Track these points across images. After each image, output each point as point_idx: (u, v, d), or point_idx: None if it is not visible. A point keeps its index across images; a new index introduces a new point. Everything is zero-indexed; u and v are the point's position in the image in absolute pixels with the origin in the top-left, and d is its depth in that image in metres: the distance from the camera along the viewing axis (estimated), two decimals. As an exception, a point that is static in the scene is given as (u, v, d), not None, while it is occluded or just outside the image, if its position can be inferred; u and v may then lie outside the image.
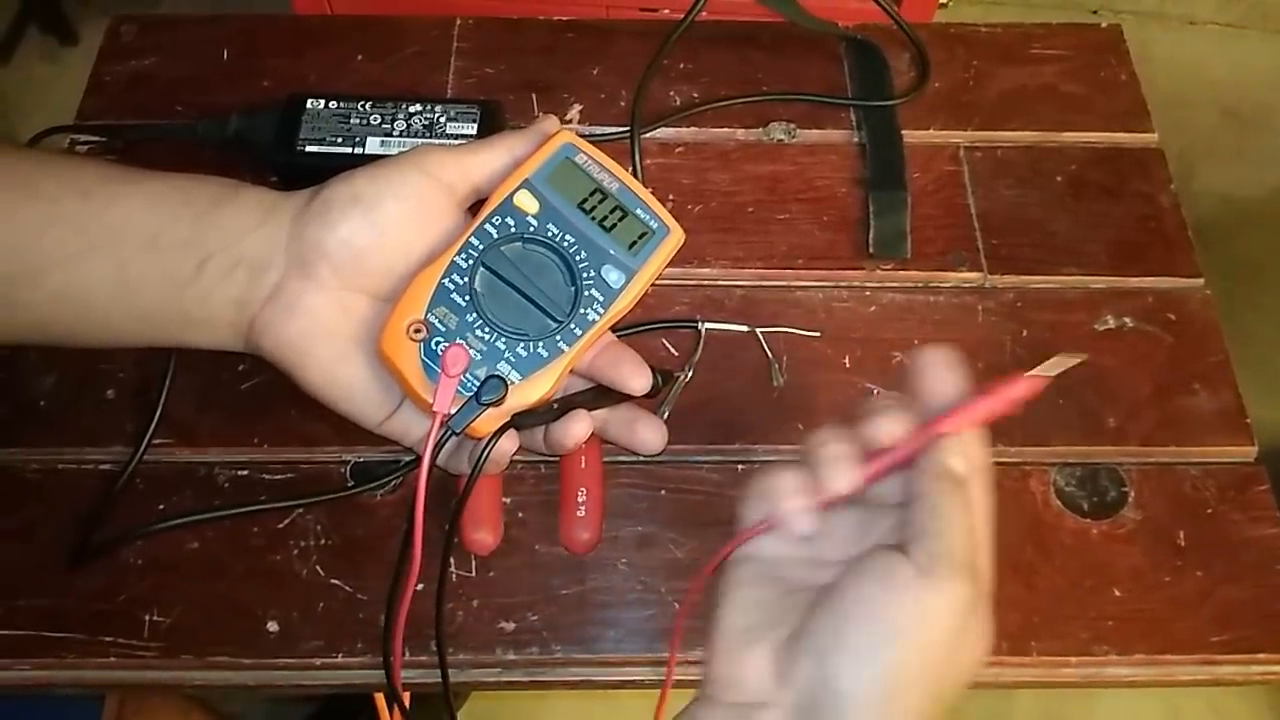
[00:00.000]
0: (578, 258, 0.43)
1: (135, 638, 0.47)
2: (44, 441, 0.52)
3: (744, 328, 0.55)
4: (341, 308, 0.42)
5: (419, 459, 0.39)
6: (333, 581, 0.49)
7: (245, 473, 0.51)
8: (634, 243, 0.44)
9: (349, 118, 0.57)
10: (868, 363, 0.55)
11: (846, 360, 0.55)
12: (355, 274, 0.41)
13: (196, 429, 0.52)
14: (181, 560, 0.49)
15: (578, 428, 0.42)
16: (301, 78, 0.63)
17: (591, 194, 0.44)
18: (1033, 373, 0.37)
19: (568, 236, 0.43)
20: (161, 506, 0.50)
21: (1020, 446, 0.53)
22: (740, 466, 0.52)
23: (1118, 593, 0.49)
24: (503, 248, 0.42)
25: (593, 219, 0.43)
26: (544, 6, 0.69)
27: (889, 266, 0.58)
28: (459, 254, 0.42)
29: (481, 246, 0.42)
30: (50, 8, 1.60)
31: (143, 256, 0.40)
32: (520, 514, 0.51)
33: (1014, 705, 1.20)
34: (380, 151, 0.56)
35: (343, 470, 0.52)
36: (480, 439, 0.41)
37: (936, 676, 0.32)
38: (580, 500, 0.49)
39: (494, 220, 0.42)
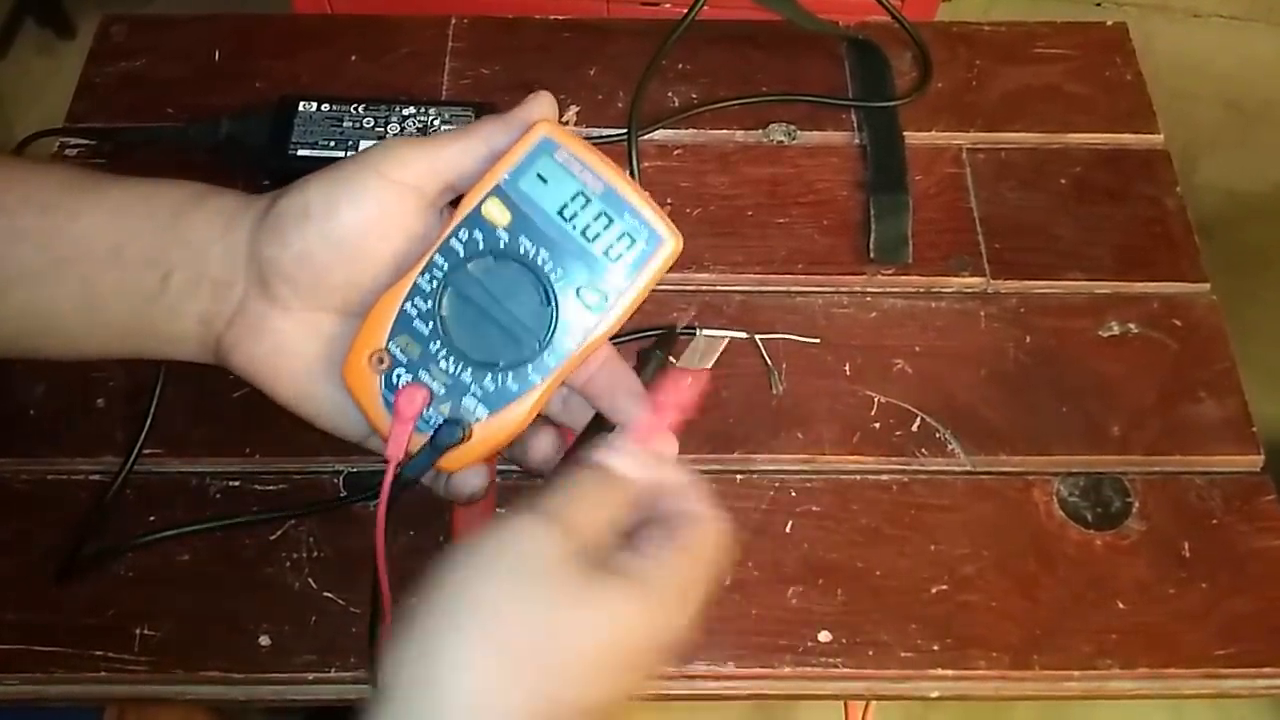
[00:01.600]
0: (553, 276, 0.37)
1: (125, 652, 0.47)
2: (33, 451, 0.51)
3: (743, 334, 0.55)
4: (308, 327, 0.39)
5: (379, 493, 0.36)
6: (325, 594, 0.48)
7: (237, 484, 0.51)
8: (620, 255, 0.37)
9: (342, 120, 0.56)
10: (868, 370, 0.54)
11: (847, 367, 0.54)
12: (316, 292, 0.38)
13: (188, 439, 0.52)
14: (172, 573, 0.48)
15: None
16: (294, 78, 0.63)
17: (573, 198, 0.37)
18: (693, 367, 0.38)
19: (543, 251, 0.37)
20: (152, 518, 0.50)
21: (1023, 456, 0.52)
22: (739, 476, 0.51)
23: (1121, 605, 0.49)
24: (470, 266, 0.37)
25: (573, 228, 0.37)
26: (540, 4, 0.68)
27: (890, 271, 0.57)
28: (422, 274, 0.37)
29: (446, 266, 0.37)
30: (48, 1, 1.58)
31: (108, 271, 0.38)
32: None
33: (1015, 705, 1.19)
34: (373, 155, 0.55)
35: (336, 481, 0.51)
36: (450, 473, 0.38)
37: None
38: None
39: (460, 234, 0.37)
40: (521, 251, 0.37)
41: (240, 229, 0.38)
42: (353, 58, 0.64)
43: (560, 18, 0.66)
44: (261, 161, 0.56)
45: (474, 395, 0.37)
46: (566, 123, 0.61)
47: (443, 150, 0.38)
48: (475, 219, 0.37)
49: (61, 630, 0.47)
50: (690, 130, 0.62)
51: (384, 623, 0.39)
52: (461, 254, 0.37)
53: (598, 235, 0.37)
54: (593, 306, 0.37)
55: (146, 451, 0.51)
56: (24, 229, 0.38)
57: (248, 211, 0.39)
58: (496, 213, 0.37)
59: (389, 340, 0.37)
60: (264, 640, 0.47)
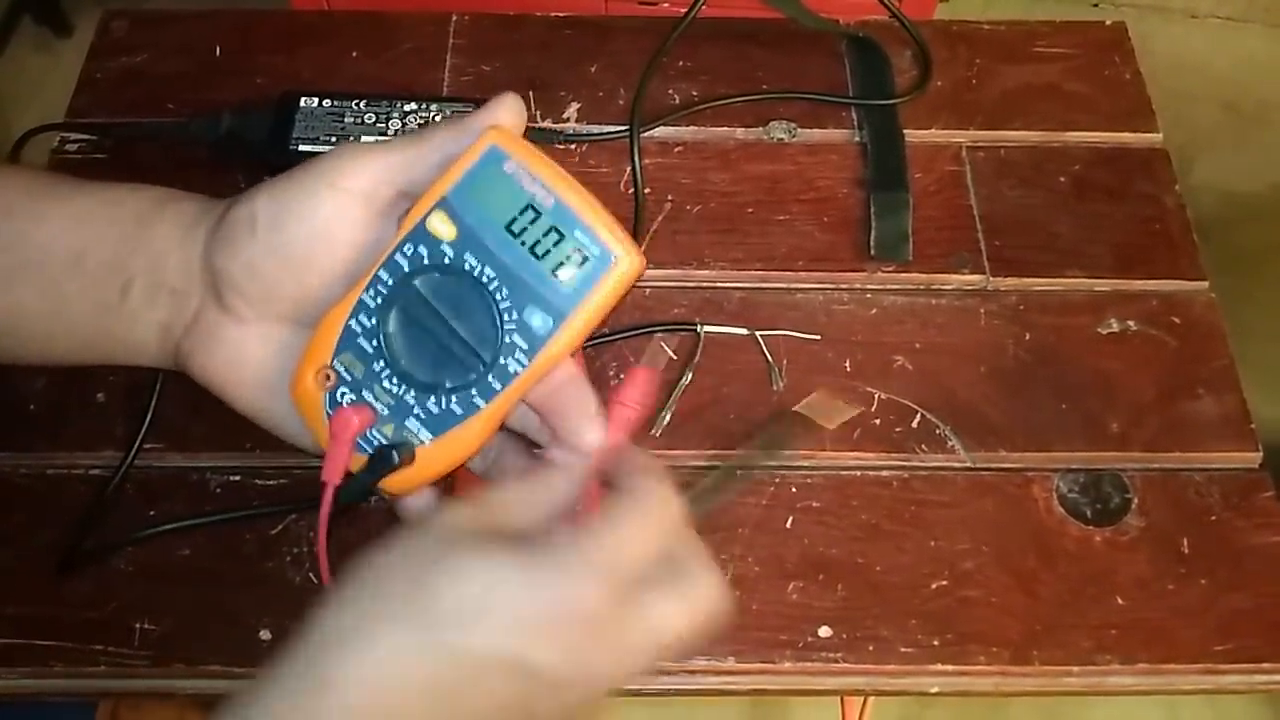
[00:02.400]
0: (498, 295, 0.35)
1: (126, 646, 0.47)
2: (33, 446, 0.51)
3: (743, 331, 0.55)
4: (261, 338, 0.38)
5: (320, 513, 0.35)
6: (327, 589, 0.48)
7: (237, 478, 0.51)
8: (571, 275, 0.35)
9: (343, 116, 0.56)
10: (868, 366, 0.54)
11: (847, 364, 0.54)
12: (267, 302, 0.37)
13: (188, 434, 0.52)
14: (173, 567, 0.48)
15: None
16: (295, 74, 0.63)
17: (521, 212, 0.35)
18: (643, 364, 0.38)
19: (488, 269, 0.35)
20: (152, 512, 0.50)
21: (1023, 452, 0.52)
22: (739, 472, 0.51)
23: (1120, 601, 0.49)
24: (416, 281, 0.35)
25: (522, 244, 0.35)
26: (541, 1, 0.68)
27: (890, 268, 0.57)
28: (367, 290, 0.35)
29: (392, 282, 0.35)
30: (45, -1, 1.59)
31: (70, 278, 0.38)
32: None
33: (1012, 701, 1.20)
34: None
35: (336, 476, 0.51)
36: (394, 496, 0.37)
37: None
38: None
39: (405, 249, 0.35)
40: (467, 268, 0.35)
41: (196, 239, 0.38)
42: (354, 54, 0.64)
43: (561, 14, 0.66)
44: (263, 156, 0.56)
45: (417, 418, 0.35)
46: (566, 119, 0.61)
47: (394, 157, 0.37)
48: (420, 233, 0.35)
49: (62, 624, 0.47)
50: (691, 127, 0.62)
51: None
52: (406, 269, 0.35)
53: (547, 252, 0.35)
54: (538, 331, 0.35)
55: (147, 446, 0.51)
56: None
57: (204, 219, 0.38)
58: (442, 227, 0.35)
59: (334, 358, 0.36)
60: (264, 635, 0.47)
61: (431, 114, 0.56)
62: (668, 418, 0.52)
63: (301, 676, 0.30)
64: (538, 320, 0.35)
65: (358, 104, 0.57)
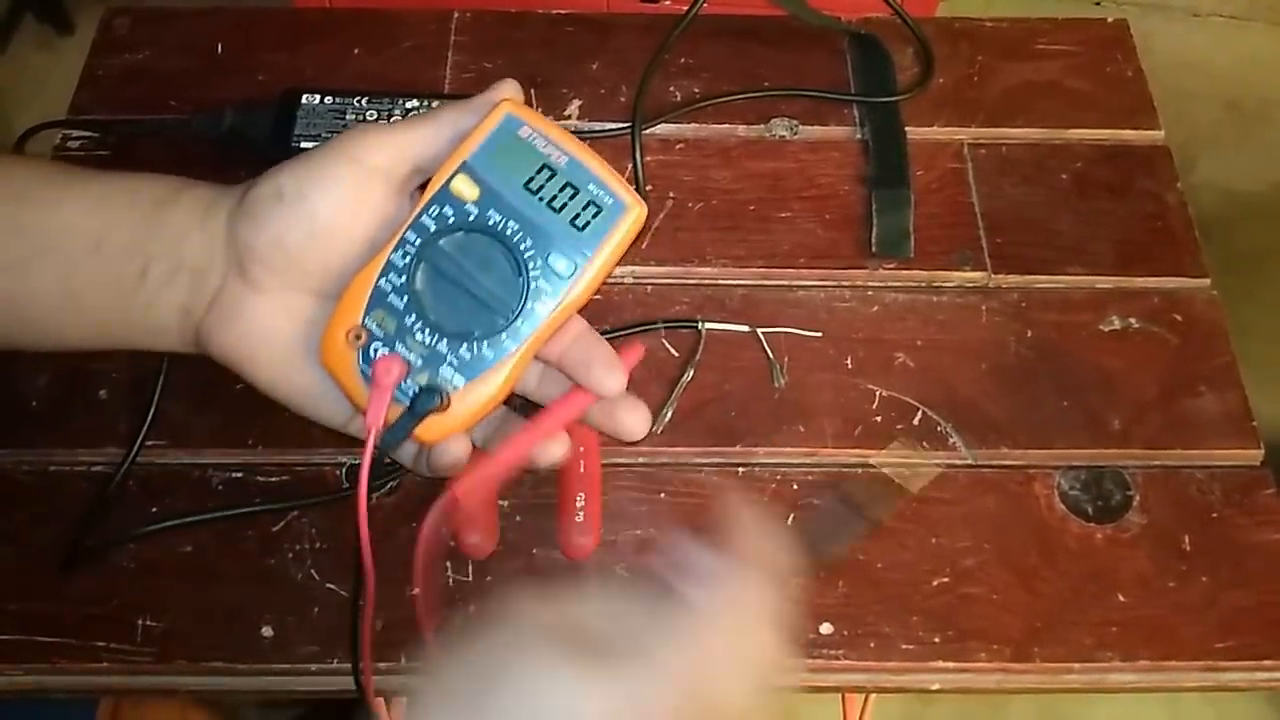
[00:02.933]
0: (523, 246, 0.38)
1: (128, 643, 0.47)
2: (35, 442, 0.51)
3: (745, 328, 0.55)
4: (284, 310, 0.39)
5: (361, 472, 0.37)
6: (328, 585, 0.48)
7: (240, 475, 0.51)
8: (586, 224, 0.38)
9: (345, 113, 0.56)
10: (870, 364, 0.54)
11: (849, 361, 0.54)
12: (292, 274, 0.39)
13: (190, 430, 0.52)
14: (175, 564, 0.49)
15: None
16: (298, 71, 0.63)
17: (538, 171, 0.38)
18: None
19: (511, 223, 0.38)
20: (154, 509, 0.50)
21: (1024, 449, 0.52)
22: (741, 469, 0.52)
23: (1122, 598, 0.49)
24: (442, 241, 0.38)
25: (540, 200, 0.38)
26: (543, -1, 0.68)
27: (891, 266, 0.57)
28: (395, 251, 0.38)
29: (419, 242, 0.38)
30: (48, -4, 1.59)
31: (87, 263, 0.38)
32: (517, 518, 0.50)
33: (1011, 698, 1.20)
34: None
35: (338, 472, 0.51)
36: (431, 445, 0.39)
37: None
38: (579, 505, 0.49)
39: (431, 211, 0.38)
40: (491, 224, 0.38)
41: (217, 216, 0.39)
42: (355, 51, 0.64)
43: (563, 12, 0.66)
44: (265, 154, 0.56)
45: (451, 365, 0.38)
46: (568, 116, 0.61)
47: (409, 134, 0.39)
48: (445, 195, 0.38)
49: (64, 621, 0.47)
50: (692, 125, 0.62)
51: (366, 601, 0.40)
52: (433, 229, 0.38)
53: (564, 205, 0.38)
54: (563, 273, 0.38)
55: (149, 443, 0.51)
56: (2, 219, 0.38)
57: (224, 199, 0.39)
58: (465, 188, 0.38)
59: (365, 316, 0.38)
60: (266, 631, 0.47)
61: (433, 111, 0.56)
62: (669, 415, 0.52)
63: None
64: (562, 264, 0.38)
65: (360, 101, 0.57)
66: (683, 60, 0.64)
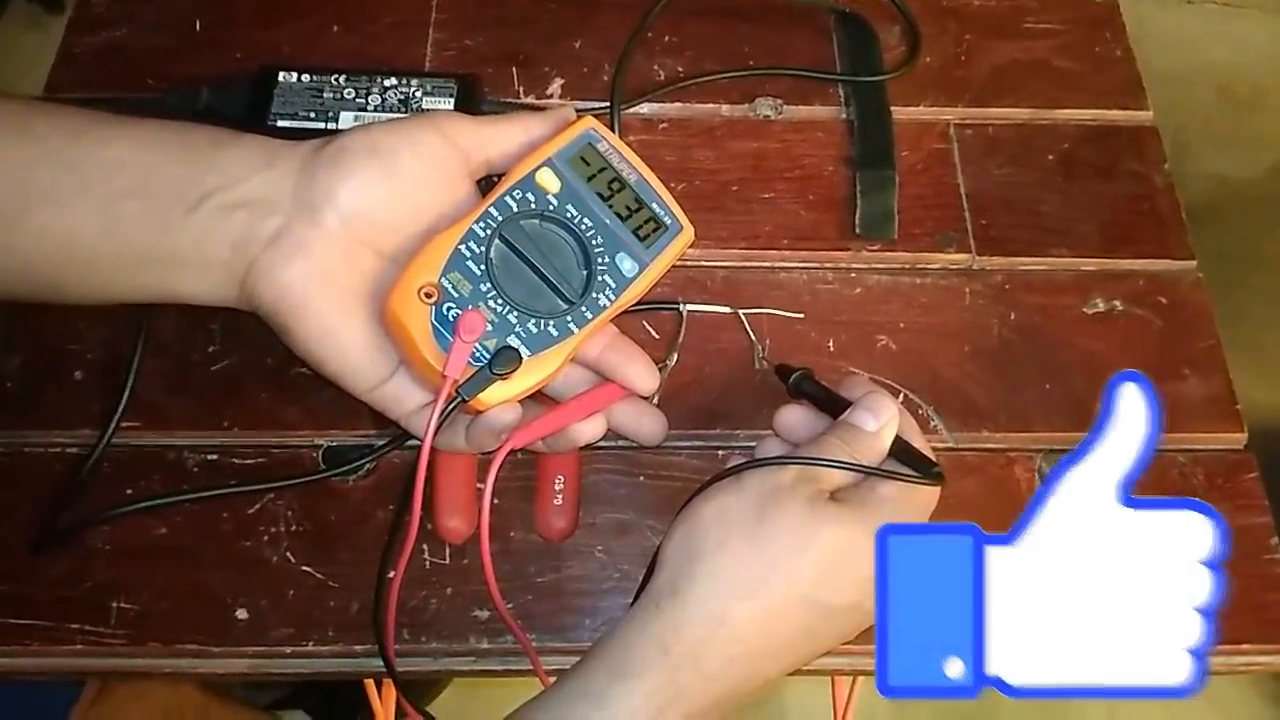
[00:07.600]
0: (594, 242, 0.43)
1: (102, 625, 0.46)
2: (9, 424, 0.51)
3: (726, 309, 0.54)
4: (347, 258, 0.41)
5: (401, 434, 0.40)
6: (304, 568, 0.48)
7: (215, 457, 0.50)
8: (648, 235, 0.44)
9: (322, 91, 0.56)
10: (852, 346, 0.54)
11: (831, 343, 0.54)
12: (363, 226, 0.41)
13: (165, 412, 0.51)
14: (149, 546, 0.48)
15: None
16: (275, 48, 0.62)
17: (611, 182, 0.44)
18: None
19: (585, 220, 0.43)
20: (129, 491, 0.49)
21: (1005, 432, 0.52)
22: (721, 452, 0.51)
23: (1103, 581, 0.48)
24: (521, 222, 0.42)
25: (610, 206, 0.44)
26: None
27: (875, 247, 0.57)
28: (477, 222, 0.41)
29: (500, 218, 0.42)
30: (36, -25, 1.57)
31: (133, 196, 0.39)
32: (496, 500, 0.49)
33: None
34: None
35: (315, 455, 0.50)
36: (479, 413, 0.41)
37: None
38: (557, 488, 0.48)
39: (514, 194, 0.42)
40: (567, 216, 0.43)
41: (288, 160, 0.41)
42: (335, 28, 0.63)
43: (545, -11, 0.65)
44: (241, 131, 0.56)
45: (518, 335, 0.41)
46: (549, 94, 0.61)
47: (490, 128, 0.44)
48: (529, 183, 0.43)
49: (37, 603, 0.47)
50: (676, 104, 0.61)
51: (397, 569, 0.43)
52: (514, 209, 0.42)
53: (629, 215, 0.44)
54: (627, 273, 0.43)
55: (124, 424, 0.50)
56: (51, 153, 0.39)
57: (294, 149, 0.41)
58: (548, 181, 0.43)
59: (442, 275, 0.40)
60: (241, 614, 0.47)
61: (412, 89, 0.55)
62: (657, 399, 0.52)
63: (684, 611, 0.37)
64: (627, 265, 0.43)
65: (337, 79, 0.56)
66: (666, 38, 0.63)
